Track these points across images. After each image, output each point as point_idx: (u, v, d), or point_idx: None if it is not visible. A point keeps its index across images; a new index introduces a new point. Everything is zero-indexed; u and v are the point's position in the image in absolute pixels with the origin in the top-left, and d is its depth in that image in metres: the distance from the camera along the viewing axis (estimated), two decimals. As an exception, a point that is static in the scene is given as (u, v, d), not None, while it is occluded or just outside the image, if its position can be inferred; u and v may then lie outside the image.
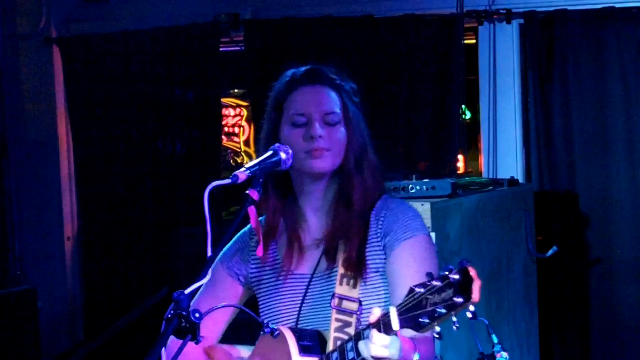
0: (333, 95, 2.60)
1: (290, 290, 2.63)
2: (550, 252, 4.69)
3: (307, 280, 2.62)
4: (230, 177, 2.34)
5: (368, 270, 2.55)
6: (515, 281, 4.43)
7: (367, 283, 2.55)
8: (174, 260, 5.01)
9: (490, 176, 5.14)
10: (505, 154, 5.27)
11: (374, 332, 2.20)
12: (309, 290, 2.61)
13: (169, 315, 2.15)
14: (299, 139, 2.56)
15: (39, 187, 6.09)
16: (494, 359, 2.72)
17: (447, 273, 2.05)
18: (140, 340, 5.42)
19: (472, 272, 2.01)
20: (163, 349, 2.16)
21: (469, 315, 2.02)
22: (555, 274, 5.02)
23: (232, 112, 6.45)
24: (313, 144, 2.54)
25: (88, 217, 6.07)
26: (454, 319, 2.05)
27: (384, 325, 2.19)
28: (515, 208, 4.45)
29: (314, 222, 2.64)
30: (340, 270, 2.55)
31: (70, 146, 6.10)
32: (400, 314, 2.14)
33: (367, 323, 2.26)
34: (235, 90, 6.45)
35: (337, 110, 2.58)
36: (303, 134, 2.56)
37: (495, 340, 2.78)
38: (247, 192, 2.35)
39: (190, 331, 2.14)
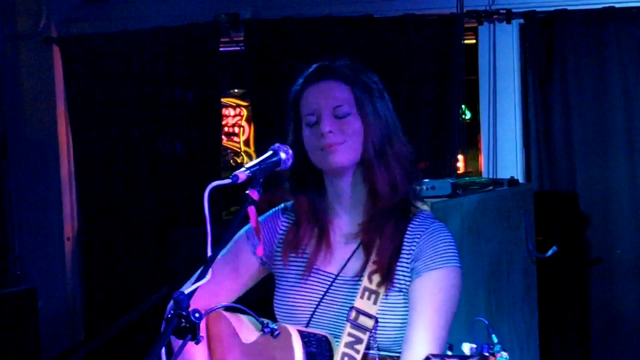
0: (341, 87, 2.55)
1: (312, 286, 2.60)
2: (550, 252, 4.69)
3: (331, 280, 2.58)
4: (230, 177, 2.33)
5: (392, 288, 2.51)
6: (515, 281, 4.43)
7: (389, 300, 2.51)
8: (174, 260, 5.01)
9: (490, 176, 5.14)
10: (505, 154, 5.27)
11: None
12: (329, 291, 2.58)
13: (169, 316, 2.15)
14: (313, 138, 2.54)
15: (39, 187, 6.09)
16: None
17: (468, 354, 2.03)
18: (140, 340, 5.43)
19: None
20: (163, 349, 2.17)
21: None
22: (555, 274, 5.02)
23: (232, 112, 6.45)
24: (325, 141, 2.51)
25: (88, 217, 6.07)
26: None
27: None
28: (515, 208, 4.45)
29: (344, 219, 2.61)
30: (365, 282, 2.51)
31: (70, 146, 6.10)
32: None
33: None
34: (235, 90, 6.45)
35: (346, 101, 2.54)
36: (315, 132, 2.53)
37: (495, 340, 2.78)
38: (247, 192, 2.35)
39: (190, 331, 2.14)
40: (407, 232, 2.55)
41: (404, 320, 2.51)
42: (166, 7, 5.88)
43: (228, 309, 2.59)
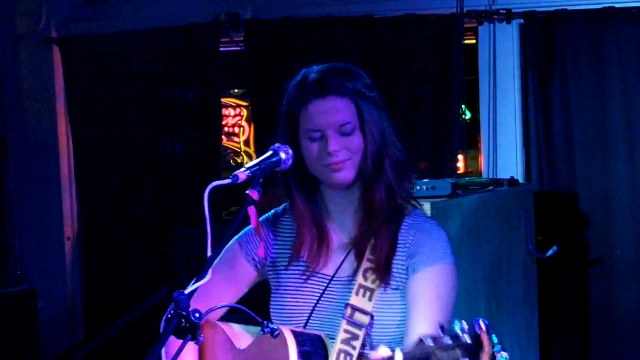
0: (346, 104, 2.55)
1: (310, 289, 2.62)
2: (550, 252, 4.69)
3: (327, 281, 2.60)
4: (230, 177, 2.34)
5: (388, 285, 2.53)
6: (515, 281, 4.43)
7: (384, 298, 2.54)
8: (174, 260, 5.01)
9: (490, 176, 5.14)
10: (505, 154, 5.27)
11: None
12: (325, 292, 2.60)
13: (169, 315, 2.15)
14: (316, 153, 2.55)
15: (39, 187, 6.09)
16: (494, 359, 2.72)
17: (459, 333, 2.05)
18: (140, 340, 5.43)
19: (485, 340, 2.04)
20: (163, 349, 2.17)
21: None
22: (555, 274, 5.02)
23: (232, 112, 6.45)
24: (331, 159, 2.53)
25: (88, 217, 6.07)
26: None
27: None
28: (515, 208, 4.46)
29: (341, 223, 2.63)
30: (360, 280, 2.54)
31: (70, 146, 6.11)
32: None
33: (368, 358, 2.24)
34: (235, 90, 6.46)
35: (351, 118, 2.54)
36: (320, 149, 2.54)
37: (495, 340, 2.78)
38: (247, 192, 2.35)
39: (190, 331, 2.14)
40: (402, 230, 2.57)
41: (402, 318, 2.53)
42: (166, 7, 5.88)
43: (223, 315, 2.60)
